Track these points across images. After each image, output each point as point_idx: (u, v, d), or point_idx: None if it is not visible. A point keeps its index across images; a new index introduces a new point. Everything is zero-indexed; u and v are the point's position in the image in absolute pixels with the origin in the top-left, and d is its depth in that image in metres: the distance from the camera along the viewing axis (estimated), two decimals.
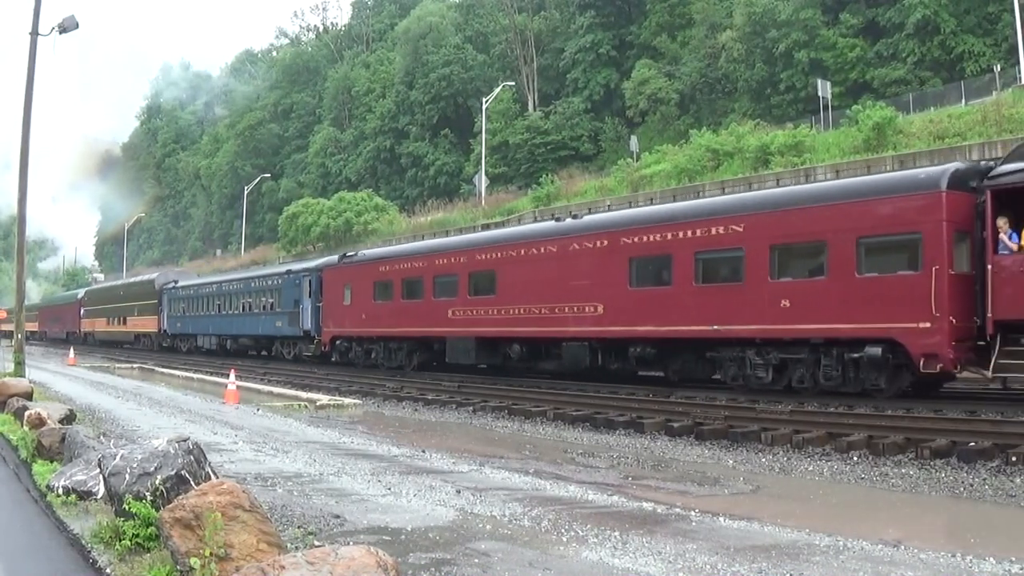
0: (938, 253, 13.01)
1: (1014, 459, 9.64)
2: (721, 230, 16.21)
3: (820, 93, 42.79)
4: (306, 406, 17.16)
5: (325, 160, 78.45)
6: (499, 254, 21.56)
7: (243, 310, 35.31)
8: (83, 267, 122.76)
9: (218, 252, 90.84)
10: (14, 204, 25.74)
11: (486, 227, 39.99)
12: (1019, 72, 37.27)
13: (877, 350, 13.56)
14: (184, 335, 41.84)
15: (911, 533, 6.71)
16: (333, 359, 28.37)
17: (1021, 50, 36.80)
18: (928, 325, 12.95)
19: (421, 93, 68.17)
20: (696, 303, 16.41)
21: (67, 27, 20.61)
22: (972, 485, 8.97)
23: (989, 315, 12.42)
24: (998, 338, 12.27)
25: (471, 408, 16.95)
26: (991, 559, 5.49)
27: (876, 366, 13.72)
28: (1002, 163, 13.34)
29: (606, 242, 18.46)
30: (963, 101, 38.84)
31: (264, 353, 34.27)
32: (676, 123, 52.68)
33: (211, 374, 26.48)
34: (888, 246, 14.03)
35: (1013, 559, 5.49)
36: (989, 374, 12.72)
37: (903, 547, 5.75)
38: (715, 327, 15.98)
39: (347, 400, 18.45)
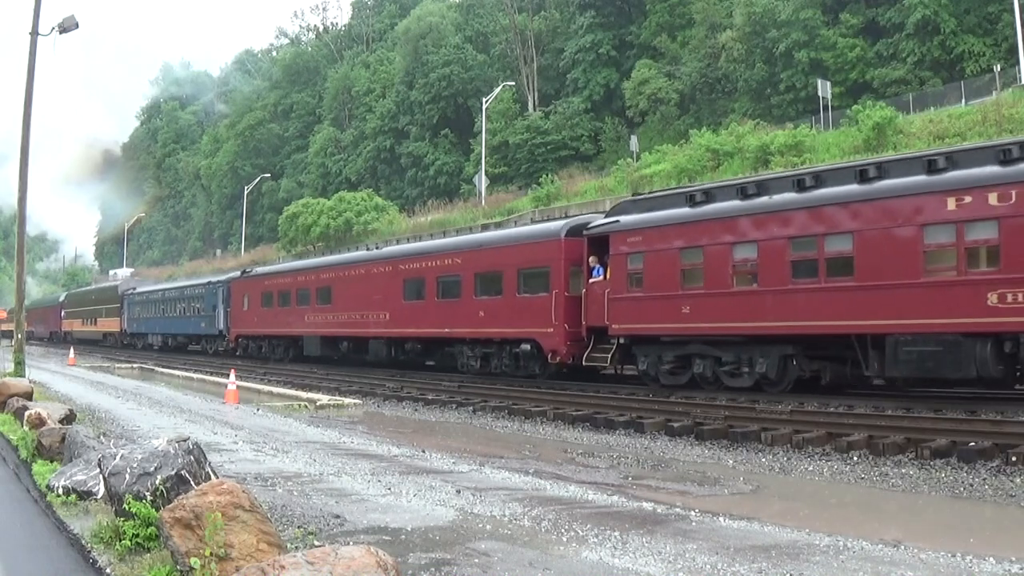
0: (559, 281, 18.90)
1: (1014, 459, 9.63)
2: (450, 261, 22.88)
3: (820, 93, 42.80)
4: (306, 406, 17.16)
5: (325, 160, 78.46)
6: (334, 274, 28.62)
7: (179, 313, 41.73)
8: (83, 267, 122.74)
9: (218, 252, 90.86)
10: (14, 201, 25.76)
11: (477, 228, 40.15)
12: (1019, 72, 37.29)
13: (528, 346, 19.82)
14: (139, 334, 48.17)
15: (911, 533, 6.71)
16: (238, 353, 34.93)
17: (1021, 50, 36.83)
18: (551, 330, 18.87)
19: (421, 93, 68.17)
20: (438, 312, 22.75)
21: (67, 27, 20.61)
22: (972, 485, 8.97)
23: (585, 322, 18.28)
24: (592, 338, 18.25)
25: (471, 408, 16.96)
26: (991, 559, 5.49)
27: (530, 357, 19.83)
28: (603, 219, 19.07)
29: (390, 268, 25.19)
30: (963, 101, 38.87)
31: (195, 347, 41.77)
32: (676, 123, 52.69)
33: (211, 374, 26.50)
34: (534, 275, 19.87)
35: (1013, 559, 5.49)
36: (584, 363, 18.40)
37: (903, 547, 5.75)
38: (447, 329, 22.45)
39: (347, 400, 18.46)
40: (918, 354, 13.17)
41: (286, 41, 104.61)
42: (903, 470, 9.85)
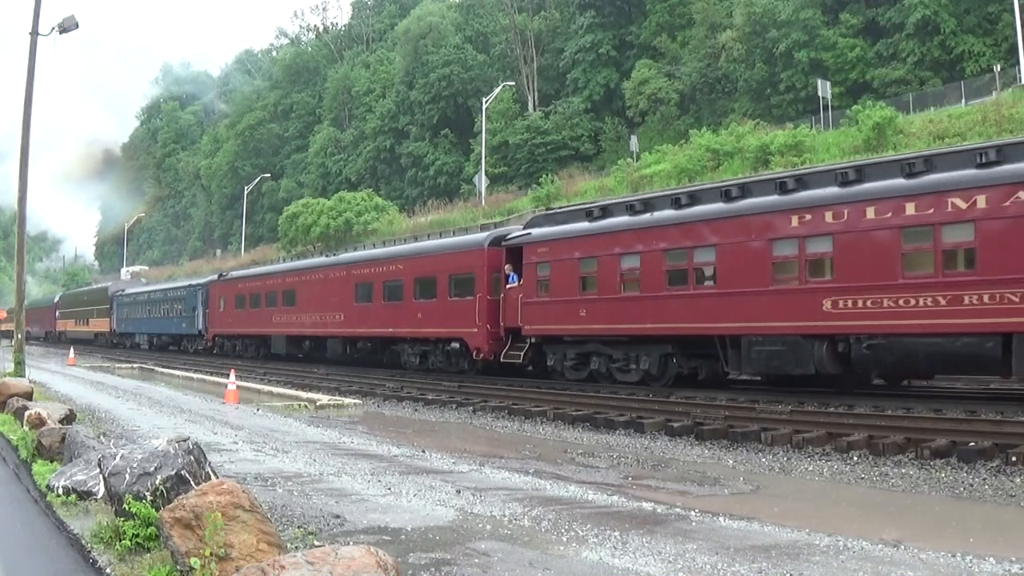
0: (482, 286, 20.91)
1: (1014, 459, 9.63)
2: (394, 268, 25.02)
3: (820, 93, 42.82)
4: (306, 406, 17.16)
5: (325, 160, 78.48)
6: (298, 278, 30.84)
7: (163, 314, 43.83)
8: (83, 267, 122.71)
9: (218, 252, 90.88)
10: (14, 200, 25.77)
11: (475, 229, 40.15)
12: (1019, 72, 37.30)
13: (457, 345, 21.98)
14: (127, 334, 50.09)
15: (911, 533, 6.70)
16: (215, 351, 37.21)
17: (1021, 50, 36.84)
18: (476, 330, 20.95)
19: (421, 93, 68.17)
20: (384, 314, 24.82)
21: (67, 27, 20.61)
22: (972, 485, 8.96)
23: (502, 324, 20.45)
24: (509, 338, 20.47)
25: (471, 408, 16.95)
26: (991, 559, 5.49)
27: (459, 355, 22.07)
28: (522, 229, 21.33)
29: (345, 273, 27.33)
30: (963, 101, 38.89)
31: (174, 347, 44.04)
32: (676, 123, 52.71)
33: (211, 374, 26.49)
34: (462, 281, 21.77)
35: (1013, 559, 5.48)
36: (502, 359, 20.47)
37: (903, 547, 5.75)
38: (391, 330, 24.53)
39: (347, 400, 18.45)
40: (767, 353, 15.11)
41: (286, 41, 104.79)
42: (903, 470, 9.85)
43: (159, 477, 5.43)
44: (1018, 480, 9.03)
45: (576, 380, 18.79)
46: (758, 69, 48.77)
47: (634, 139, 52.31)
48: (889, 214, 13.55)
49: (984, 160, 12.92)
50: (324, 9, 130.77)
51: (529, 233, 20.38)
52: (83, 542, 5.46)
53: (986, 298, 12.49)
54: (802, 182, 15.23)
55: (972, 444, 10.17)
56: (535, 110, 62.53)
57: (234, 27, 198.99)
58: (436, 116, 67.54)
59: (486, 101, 56.05)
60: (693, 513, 6.89)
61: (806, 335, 14.50)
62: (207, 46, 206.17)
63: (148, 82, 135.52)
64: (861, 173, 14.40)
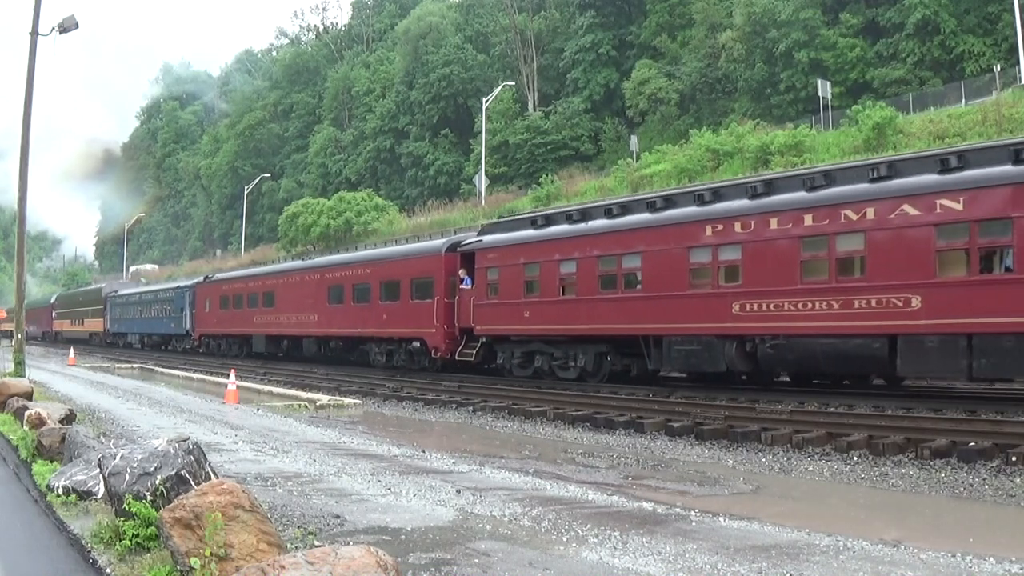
0: (439, 289, 22.33)
1: (1014, 459, 9.63)
2: (362, 271, 26.48)
3: (820, 93, 42.80)
4: (306, 406, 17.16)
5: (325, 160, 78.45)
6: (276, 281, 32.38)
7: (153, 315, 45.30)
8: (83, 266, 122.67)
9: (218, 252, 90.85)
10: (14, 200, 25.77)
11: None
12: (1019, 72, 37.28)
13: (417, 344, 23.46)
14: (120, 333, 51.48)
15: (911, 533, 6.70)
16: (201, 351, 38.73)
17: (1021, 50, 36.83)
18: (434, 330, 22.37)
19: (421, 93, 68.15)
20: (354, 315, 26.29)
21: (67, 27, 20.60)
22: (972, 485, 8.96)
23: (457, 324, 21.76)
24: (463, 337, 21.73)
25: (471, 408, 16.96)
26: (991, 559, 5.49)
27: (420, 353, 23.50)
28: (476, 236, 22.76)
29: (319, 276, 28.93)
30: (963, 101, 38.85)
31: (165, 347, 45.51)
32: (676, 123, 52.68)
33: (211, 374, 26.50)
34: (422, 284, 23.19)
35: (1013, 559, 5.48)
36: (456, 357, 21.75)
37: (903, 547, 5.75)
38: (359, 330, 25.96)
39: (347, 400, 18.45)
40: (685, 352, 16.38)
41: (286, 41, 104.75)
42: (903, 470, 9.85)
43: (159, 477, 5.43)
44: (1018, 480, 9.03)
45: (522, 377, 20.21)
46: (758, 69, 48.76)
47: (634, 139, 52.30)
48: (790, 225, 14.65)
49: (876, 175, 13.83)
50: (324, 9, 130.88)
51: (481, 240, 21.97)
52: (83, 542, 5.46)
53: (874, 302, 13.49)
54: (718, 195, 16.38)
55: (972, 444, 10.18)
56: (535, 110, 62.50)
57: (234, 27, 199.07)
58: (436, 116, 67.51)
59: (486, 101, 56.02)
60: (693, 513, 6.89)
61: (718, 336, 15.67)
62: (207, 46, 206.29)
63: (148, 82, 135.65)
64: (770, 186, 15.51)
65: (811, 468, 10.22)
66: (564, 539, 5.77)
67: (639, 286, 17.30)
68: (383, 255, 27.86)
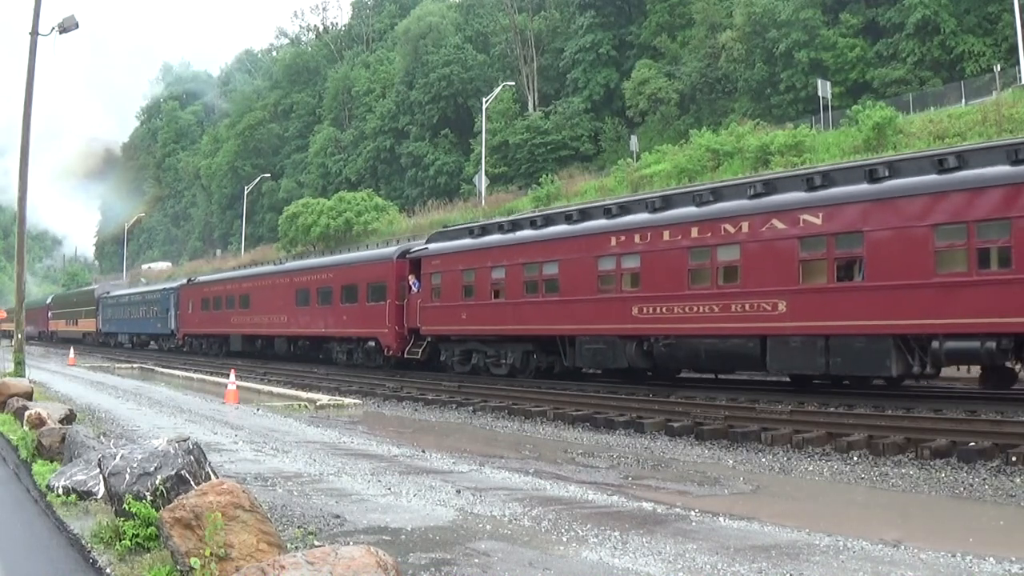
0: (392, 293, 24.35)
1: (1014, 459, 9.63)
2: (326, 276, 28.79)
3: (820, 93, 42.77)
4: (306, 406, 17.16)
5: (325, 160, 78.41)
6: (251, 284, 34.69)
7: (141, 315, 47.51)
8: (83, 266, 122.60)
9: (218, 252, 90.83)
10: (14, 200, 25.78)
11: None
12: (1019, 72, 37.26)
13: (372, 343, 25.56)
14: (111, 333, 53.38)
15: (911, 533, 6.70)
16: (185, 349, 41.45)
17: (1021, 50, 36.81)
18: (387, 331, 24.37)
19: (421, 93, 68.13)
20: (318, 317, 28.62)
21: (67, 27, 20.59)
22: (972, 485, 8.96)
23: (406, 325, 23.83)
24: (413, 338, 23.78)
25: (471, 408, 16.95)
26: (991, 559, 5.49)
27: (375, 352, 25.55)
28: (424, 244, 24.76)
29: (288, 280, 31.33)
30: (963, 101, 38.83)
31: (154, 346, 48.03)
32: (676, 123, 52.65)
33: (211, 374, 26.50)
34: (377, 288, 25.24)
35: (1013, 559, 5.48)
36: (405, 355, 23.78)
37: (903, 547, 5.75)
38: (323, 330, 28.30)
39: (347, 400, 18.45)
40: (593, 350, 18.21)
41: (286, 41, 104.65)
42: (903, 470, 9.84)
43: (159, 477, 5.43)
44: (1018, 480, 9.03)
45: (461, 373, 22.07)
46: (758, 69, 48.74)
47: (634, 139, 52.27)
48: (679, 237, 16.39)
49: (753, 192, 15.48)
50: (324, 9, 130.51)
51: (427, 248, 24.01)
52: (83, 542, 5.46)
53: (747, 307, 15.15)
54: (625, 208, 18.34)
55: (972, 444, 10.18)
56: (535, 110, 62.47)
57: (234, 27, 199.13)
58: (436, 116, 67.47)
59: (486, 101, 55.99)
60: (693, 513, 6.89)
61: (620, 336, 17.51)
62: (207, 46, 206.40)
63: (148, 82, 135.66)
64: (666, 201, 17.38)
65: (811, 468, 10.22)
66: (564, 539, 5.77)
67: (557, 291, 19.09)
68: (344, 261, 29.93)
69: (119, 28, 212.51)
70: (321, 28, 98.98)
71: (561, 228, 19.35)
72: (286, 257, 58.03)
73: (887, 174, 13.81)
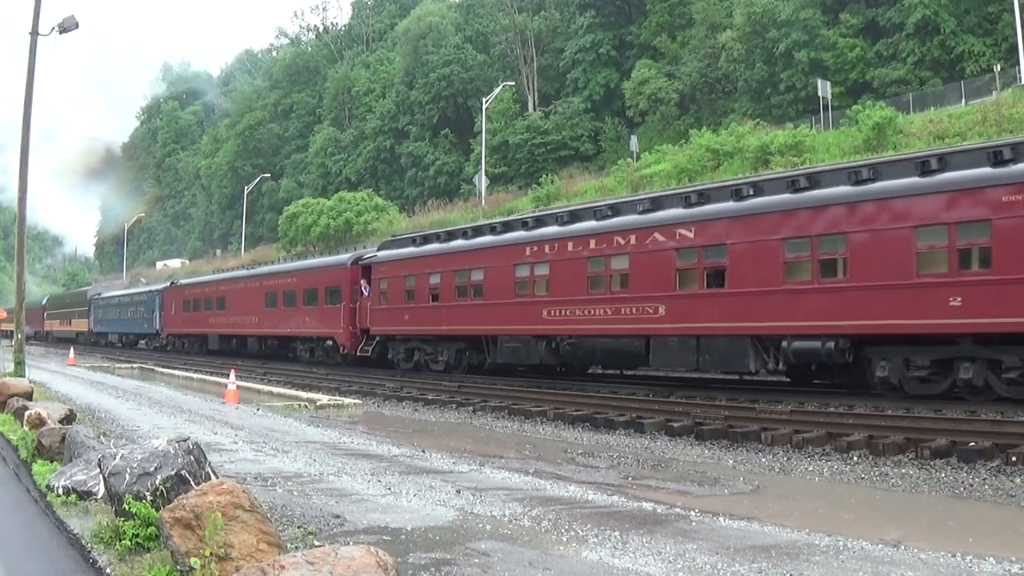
0: (346, 296, 26.56)
1: (1014, 459, 9.63)
2: (290, 280, 31.12)
3: (820, 93, 42.77)
4: (306, 406, 17.16)
5: (325, 160, 78.39)
6: (227, 287, 36.87)
7: (129, 316, 49.67)
8: (83, 266, 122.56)
9: (218, 252, 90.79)
10: (13, 200, 25.77)
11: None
12: (1019, 72, 37.26)
13: (330, 342, 27.75)
14: (102, 333, 55.31)
15: (911, 533, 6.70)
16: (168, 348, 44.04)
17: (1021, 50, 36.82)
18: (342, 331, 26.65)
19: (421, 93, 68.12)
20: (284, 318, 30.81)
21: (67, 27, 20.59)
22: (972, 485, 8.96)
23: (359, 325, 25.91)
24: (365, 337, 25.73)
25: (471, 408, 16.95)
26: (991, 559, 5.49)
27: (333, 350, 27.59)
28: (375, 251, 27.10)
29: (259, 283, 33.63)
30: (963, 101, 38.83)
31: (143, 345, 49.89)
32: (676, 123, 52.65)
33: (211, 374, 26.50)
34: (333, 292, 27.42)
35: (1013, 559, 5.48)
36: (358, 353, 25.77)
37: (903, 547, 5.75)
38: (289, 331, 30.53)
39: (347, 400, 18.45)
40: (511, 348, 20.25)
41: (286, 41, 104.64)
42: (903, 470, 9.84)
43: (159, 477, 5.43)
44: (1018, 480, 9.03)
45: (406, 369, 24.12)
46: (758, 69, 48.73)
47: (634, 139, 52.26)
48: (580, 248, 18.38)
49: (642, 208, 17.51)
50: (324, 9, 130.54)
51: (376, 255, 26.23)
52: (83, 542, 5.46)
53: (635, 310, 17.03)
54: (541, 221, 20.50)
55: (972, 444, 10.18)
56: (535, 110, 62.46)
57: (234, 27, 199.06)
58: (436, 116, 67.45)
59: (486, 101, 55.98)
60: (693, 513, 6.89)
61: (533, 335, 19.54)
62: (207, 46, 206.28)
63: (148, 82, 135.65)
64: (573, 216, 19.48)
65: (811, 468, 10.22)
66: (564, 539, 5.77)
67: (482, 295, 21.08)
68: (306, 266, 32.27)
69: (119, 28, 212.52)
70: (321, 28, 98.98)
71: (487, 239, 21.45)
72: (286, 257, 58.06)
73: (751, 193, 15.53)
